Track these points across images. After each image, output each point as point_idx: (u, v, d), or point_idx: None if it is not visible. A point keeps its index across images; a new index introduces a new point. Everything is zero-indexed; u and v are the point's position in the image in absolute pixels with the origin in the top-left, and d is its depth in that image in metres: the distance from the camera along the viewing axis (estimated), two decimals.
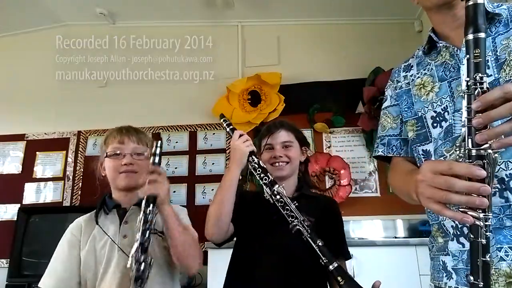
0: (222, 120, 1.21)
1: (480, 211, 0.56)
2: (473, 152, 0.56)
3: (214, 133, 2.99)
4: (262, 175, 1.08)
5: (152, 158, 1.00)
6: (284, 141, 1.23)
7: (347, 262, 1.21)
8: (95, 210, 1.17)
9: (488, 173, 0.55)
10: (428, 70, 0.90)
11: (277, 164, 1.20)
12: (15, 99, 3.21)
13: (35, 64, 3.31)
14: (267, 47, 3.16)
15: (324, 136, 2.88)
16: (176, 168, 2.91)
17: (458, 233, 0.78)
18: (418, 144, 0.90)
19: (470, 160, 0.57)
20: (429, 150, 0.86)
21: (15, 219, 2.68)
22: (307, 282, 1.07)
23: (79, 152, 3.03)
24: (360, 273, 2.06)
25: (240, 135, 1.13)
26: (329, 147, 2.86)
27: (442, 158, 0.81)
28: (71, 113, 3.14)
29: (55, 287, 1.06)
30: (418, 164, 0.91)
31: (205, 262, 2.00)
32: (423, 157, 0.88)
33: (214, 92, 3.00)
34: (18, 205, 2.87)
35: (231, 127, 1.18)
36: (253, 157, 1.11)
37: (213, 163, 2.90)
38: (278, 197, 1.02)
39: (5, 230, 2.76)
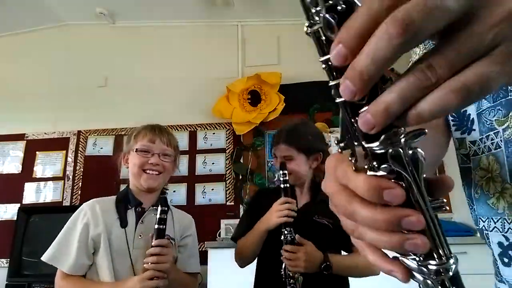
0: (282, 173, 1.16)
1: (421, 257, 0.27)
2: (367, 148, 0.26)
3: (214, 133, 2.99)
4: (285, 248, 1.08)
5: (156, 226, 1.04)
6: (283, 156, 1.25)
7: None
8: (114, 198, 1.19)
9: (409, 187, 0.26)
10: None
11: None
12: (15, 99, 3.21)
13: (35, 64, 3.31)
14: (267, 46, 3.16)
15: (324, 135, 2.88)
16: None
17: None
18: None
19: (374, 165, 0.26)
20: (469, 115, 0.55)
21: (15, 219, 2.68)
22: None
23: (79, 152, 3.03)
24: None
25: (286, 202, 1.12)
26: (329, 147, 2.86)
27: (492, 133, 0.51)
28: (71, 113, 3.14)
29: (72, 268, 1.08)
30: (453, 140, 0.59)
31: (205, 262, 2.00)
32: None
33: (214, 92, 3.00)
34: (18, 205, 2.87)
35: (285, 185, 1.15)
36: (289, 229, 1.09)
37: (213, 163, 2.90)
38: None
39: (5, 230, 2.76)
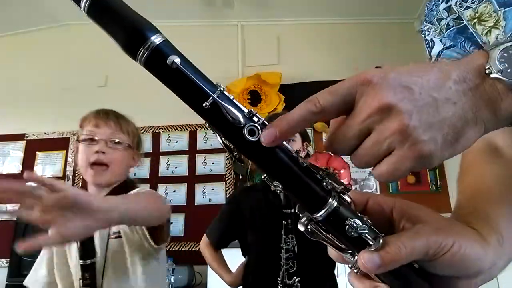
0: None
1: None
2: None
3: (214, 133, 2.99)
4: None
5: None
6: None
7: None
8: None
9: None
10: None
11: None
12: (15, 99, 3.21)
13: (35, 64, 3.31)
14: (267, 46, 3.16)
15: (324, 135, 2.88)
16: (176, 167, 2.90)
17: None
18: None
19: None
20: None
21: (15, 218, 2.68)
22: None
23: None
24: None
25: None
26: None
27: None
28: (71, 113, 3.11)
29: (28, 279, 0.99)
30: None
31: (205, 262, 1.99)
32: None
33: None
34: (18, 205, 2.87)
35: None
36: (291, 236, 1.07)
37: (213, 163, 2.90)
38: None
39: (5, 230, 2.76)
